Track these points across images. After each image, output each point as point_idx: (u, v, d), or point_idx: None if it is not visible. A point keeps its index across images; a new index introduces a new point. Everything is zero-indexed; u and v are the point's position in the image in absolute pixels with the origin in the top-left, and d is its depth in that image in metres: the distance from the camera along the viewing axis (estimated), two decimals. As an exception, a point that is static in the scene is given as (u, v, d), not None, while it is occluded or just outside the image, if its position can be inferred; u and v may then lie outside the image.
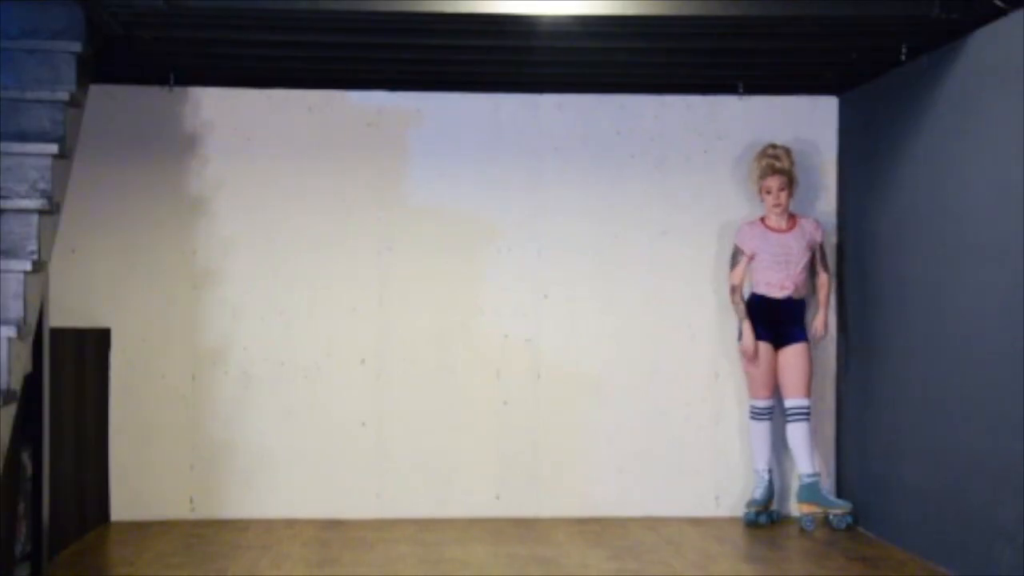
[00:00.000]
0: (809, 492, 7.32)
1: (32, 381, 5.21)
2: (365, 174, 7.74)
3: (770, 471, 7.46)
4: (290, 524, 7.40)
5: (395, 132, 7.77)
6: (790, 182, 7.40)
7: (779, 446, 7.60)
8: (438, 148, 7.77)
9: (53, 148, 5.28)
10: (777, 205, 7.37)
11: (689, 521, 7.42)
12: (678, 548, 6.69)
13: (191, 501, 7.61)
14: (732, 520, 7.50)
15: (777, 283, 7.37)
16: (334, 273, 7.70)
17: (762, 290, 7.40)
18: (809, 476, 7.31)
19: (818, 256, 7.52)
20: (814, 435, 7.46)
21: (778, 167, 7.34)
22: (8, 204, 5.08)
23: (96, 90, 6.95)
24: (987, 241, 5.91)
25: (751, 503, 7.44)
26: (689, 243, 7.73)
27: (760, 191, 7.43)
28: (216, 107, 7.67)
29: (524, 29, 6.15)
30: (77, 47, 5.58)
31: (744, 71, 7.46)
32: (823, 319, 7.57)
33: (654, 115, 7.82)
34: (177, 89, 7.61)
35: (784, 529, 7.36)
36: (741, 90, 7.74)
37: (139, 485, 7.56)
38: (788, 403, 7.37)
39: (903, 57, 6.62)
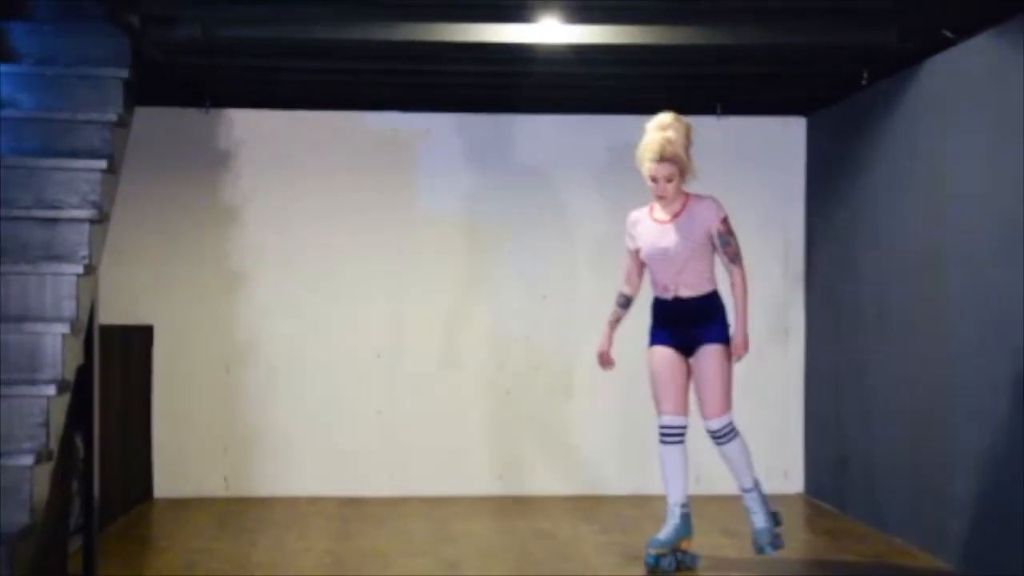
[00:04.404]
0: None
1: (84, 373, 5.21)
2: (380, 187, 7.75)
3: (685, 505, 5.64)
4: (313, 501, 7.41)
5: (407, 149, 7.78)
6: (681, 170, 5.52)
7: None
8: (446, 163, 7.79)
9: (102, 164, 5.28)
10: (662, 197, 5.55)
11: (672, 499, 7.45)
12: (661, 522, 6.70)
13: (225, 480, 7.64)
14: (711, 498, 7.50)
15: (661, 284, 5.61)
16: (351, 276, 7.73)
17: (654, 291, 5.69)
18: (747, 491, 5.70)
19: (719, 246, 5.57)
20: (747, 449, 5.69)
21: (668, 153, 5.48)
22: (62, 214, 5.08)
23: (140, 112, 6.97)
24: (937, 247, 5.95)
25: (653, 542, 5.57)
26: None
27: (645, 175, 5.57)
28: (247, 127, 7.70)
29: (524, 56, 6.17)
30: (124, 73, 5.57)
31: (722, 94, 7.48)
32: (739, 331, 5.55)
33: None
34: (212, 111, 7.63)
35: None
36: (719, 111, 7.74)
37: (179, 465, 7.59)
38: (705, 425, 5.62)
39: (865, 81, 6.64)
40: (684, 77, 6.92)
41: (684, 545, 5.61)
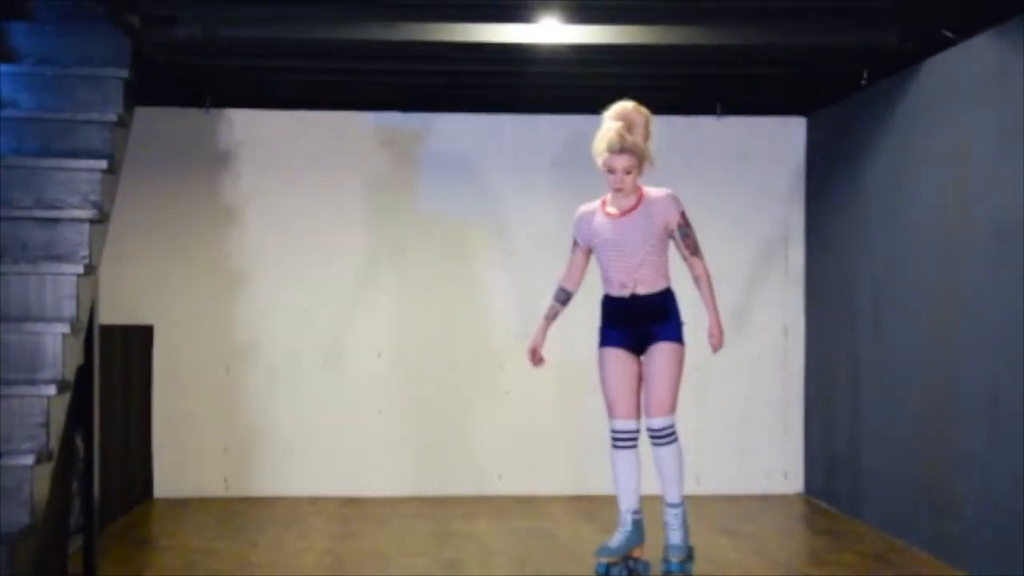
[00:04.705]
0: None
1: (84, 372, 5.20)
2: (380, 186, 7.75)
3: (637, 512, 5.36)
4: (313, 501, 7.41)
5: (407, 149, 7.78)
6: (640, 162, 5.20)
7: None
8: (446, 163, 7.78)
9: (102, 164, 5.28)
10: (619, 189, 5.23)
11: (672, 498, 7.45)
12: (661, 522, 6.71)
13: (225, 480, 7.63)
14: (710, 497, 7.51)
15: (616, 281, 5.29)
16: (352, 275, 7.72)
17: (605, 288, 5.39)
18: (672, 506, 5.33)
19: (678, 239, 5.28)
20: (683, 458, 5.36)
21: (627, 144, 5.14)
22: (63, 214, 5.08)
23: (140, 112, 6.97)
24: (934, 242, 5.95)
25: (603, 551, 5.34)
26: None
27: (602, 166, 5.24)
28: (247, 127, 7.69)
29: (524, 56, 6.17)
30: (124, 73, 5.57)
31: (721, 94, 7.48)
32: (713, 323, 5.34)
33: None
34: (212, 111, 7.63)
35: (755, 504, 7.36)
36: (719, 111, 7.74)
37: (179, 465, 7.59)
38: (647, 423, 5.28)
39: (864, 81, 6.64)
40: (684, 77, 6.92)
41: (635, 553, 5.36)
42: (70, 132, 5.39)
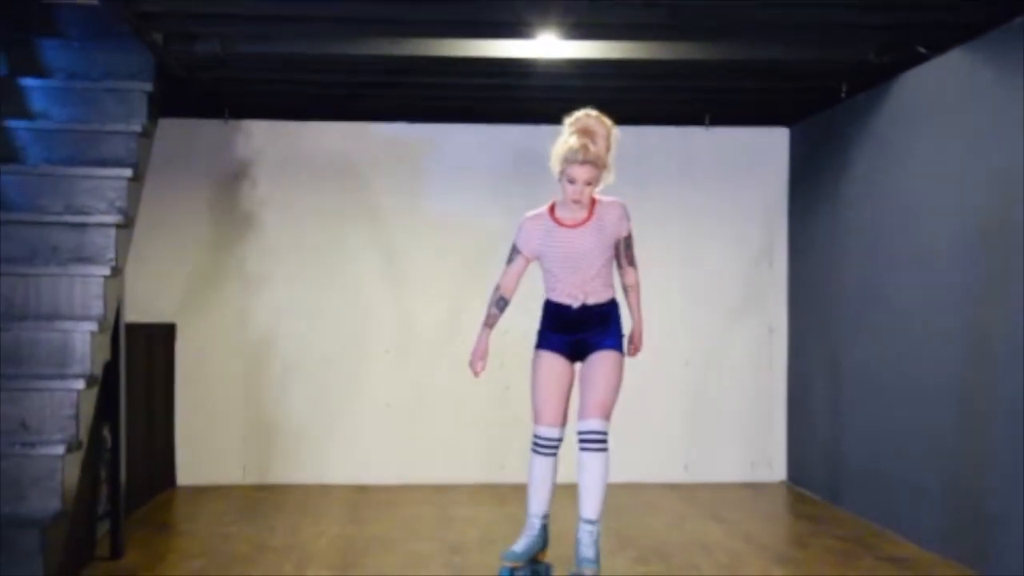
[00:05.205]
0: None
1: (111, 368, 5.23)
2: (388, 192, 7.76)
3: (546, 517, 4.90)
4: (325, 489, 7.43)
5: (413, 157, 7.79)
6: (600, 173, 4.71)
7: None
8: (450, 171, 7.79)
9: (128, 172, 5.31)
10: (577, 201, 4.73)
11: (662, 486, 7.44)
12: (653, 508, 6.73)
13: (243, 469, 7.65)
14: (700, 485, 7.53)
15: (565, 292, 4.85)
16: (362, 277, 7.73)
17: (551, 296, 4.94)
18: (588, 523, 4.73)
19: (623, 250, 4.87)
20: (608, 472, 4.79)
21: (590, 156, 4.64)
22: (91, 219, 5.11)
23: (164, 123, 7.00)
24: (912, 246, 5.97)
25: (509, 555, 4.83)
26: (659, 248, 7.62)
27: (559, 176, 4.74)
28: (264, 137, 7.71)
29: (523, 70, 6.19)
30: (148, 87, 5.60)
31: (710, 106, 7.49)
32: (637, 332, 4.91)
33: (635, 143, 7.80)
34: (231, 122, 7.65)
35: (742, 492, 7.39)
36: (708, 122, 7.75)
37: (200, 455, 7.61)
38: (582, 426, 4.74)
39: (844, 94, 6.66)
40: (675, 90, 6.93)
41: (540, 556, 4.92)
42: (98, 142, 5.43)
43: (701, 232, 7.79)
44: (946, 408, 5.56)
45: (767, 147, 7.89)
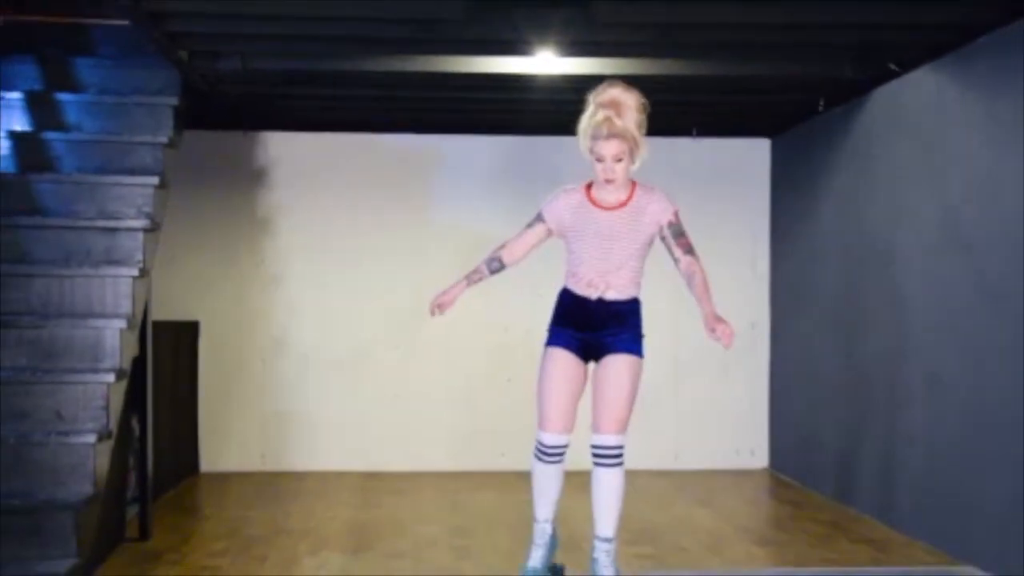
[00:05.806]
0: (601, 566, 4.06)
1: (139, 363, 5.25)
2: (398, 199, 7.77)
3: (554, 521, 4.22)
4: (339, 475, 7.44)
5: (422, 166, 7.81)
6: (631, 148, 3.88)
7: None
8: (456, 179, 7.81)
9: (155, 180, 5.32)
10: (610, 180, 3.92)
11: (654, 473, 7.43)
12: (646, 494, 6.72)
13: (262, 456, 7.67)
14: (689, 472, 7.54)
15: (586, 279, 4.00)
16: (373, 278, 7.75)
17: (570, 283, 4.08)
18: (605, 541, 4.07)
19: (671, 240, 4.02)
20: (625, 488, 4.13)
21: (616, 129, 3.85)
22: (120, 224, 5.13)
23: (188, 135, 7.04)
24: (885, 250, 6.00)
25: (530, 572, 4.13)
26: (650, 251, 7.68)
27: (589, 154, 3.95)
28: (280, 148, 7.73)
29: (523, 85, 6.21)
30: (174, 101, 5.62)
31: (697, 118, 7.49)
32: (711, 316, 3.90)
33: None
34: (250, 133, 7.67)
35: (727, 478, 7.40)
36: (695, 133, 7.76)
37: (222, 444, 7.63)
38: (596, 440, 4.08)
39: (822, 108, 6.67)
40: (664, 103, 6.85)
41: (554, 560, 4.28)
42: (127, 153, 5.44)
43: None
44: (915, 401, 5.58)
45: (750, 157, 7.90)
